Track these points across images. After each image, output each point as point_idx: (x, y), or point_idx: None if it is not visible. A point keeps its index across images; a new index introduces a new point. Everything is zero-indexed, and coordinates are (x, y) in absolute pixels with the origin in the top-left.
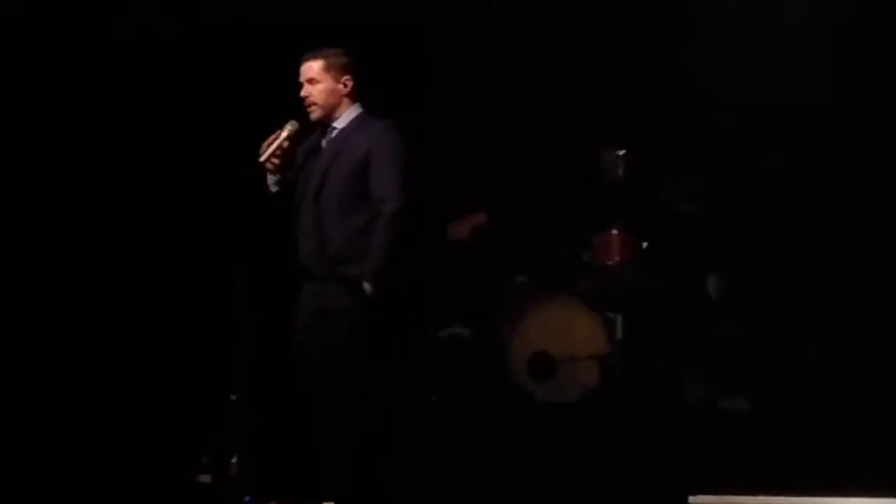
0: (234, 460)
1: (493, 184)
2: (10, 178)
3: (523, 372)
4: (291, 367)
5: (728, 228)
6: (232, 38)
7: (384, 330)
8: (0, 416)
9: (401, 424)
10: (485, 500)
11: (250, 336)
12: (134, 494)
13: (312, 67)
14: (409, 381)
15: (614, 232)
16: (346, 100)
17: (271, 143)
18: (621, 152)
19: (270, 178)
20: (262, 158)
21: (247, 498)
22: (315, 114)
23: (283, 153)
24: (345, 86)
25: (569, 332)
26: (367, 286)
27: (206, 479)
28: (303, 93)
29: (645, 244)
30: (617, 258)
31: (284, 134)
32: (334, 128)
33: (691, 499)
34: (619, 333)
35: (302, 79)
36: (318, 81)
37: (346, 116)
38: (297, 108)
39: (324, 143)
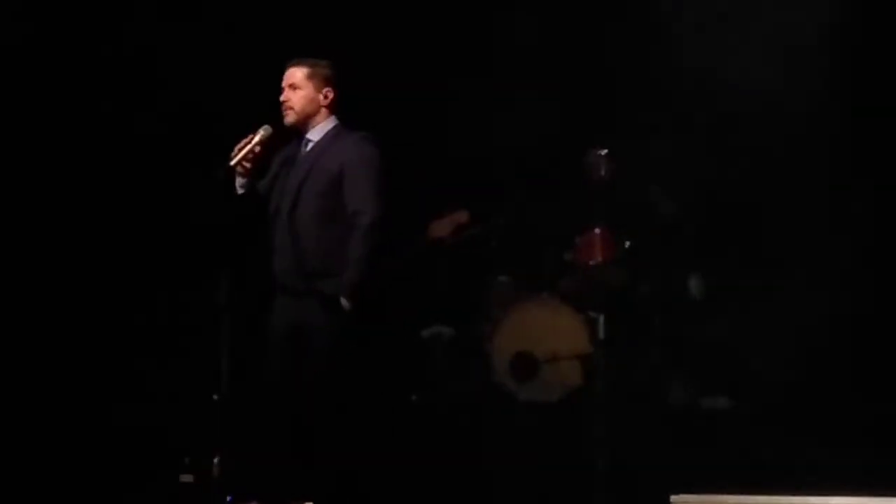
0: (215, 460)
1: (475, 183)
2: None
3: (506, 372)
4: (267, 375)
5: (710, 228)
6: (210, 43)
7: (362, 342)
8: None
9: (382, 426)
10: (467, 501)
11: (232, 336)
12: (116, 494)
13: (296, 73)
14: (388, 384)
15: (596, 232)
16: (323, 111)
17: (243, 147)
18: (603, 152)
19: (239, 181)
20: (234, 162)
21: (228, 498)
22: (289, 118)
23: (254, 157)
24: (325, 97)
25: (551, 331)
26: (344, 301)
27: (188, 479)
28: (282, 97)
29: (627, 244)
30: (599, 258)
31: (256, 138)
32: (309, 140)
33: (673, 498)
34: (601, 333)
35: (284, 83)
36: (298, 88)
37: (321, 128)
38: (276, 113)
39: (300, 156)
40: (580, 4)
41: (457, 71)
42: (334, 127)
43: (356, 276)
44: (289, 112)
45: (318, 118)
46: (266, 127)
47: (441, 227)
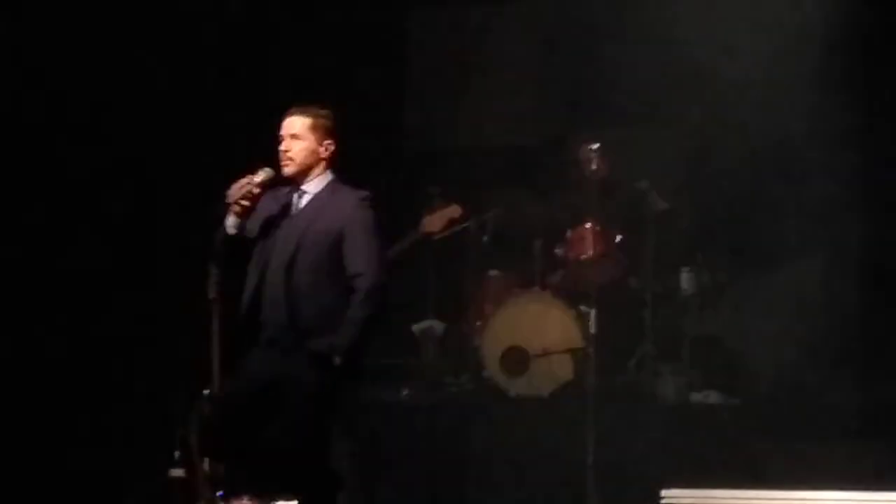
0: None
1: (466, 177)
2: None
3: (497, 366)
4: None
5: (701, 223)
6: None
7: (342, 397)
8: None
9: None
10: (458, 495)
11: (222, 330)
12: (107, 489)
13: (298, 123)
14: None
15: (588, 226)
16: (322, 163)
17: (243, 186)
18: (595, 147)
19: (231, 220)
20: (231, 200)
21: (219, 493)
22: (289, 169)
23: (252, 198)
24: (326, 149)
25: (542, 326)
26: (337, 360)
27: (178, 473)
28: (282, 146)
29: (618, 238)
30: (590, 252)
31: (258, 179)
32: (304, 191)
33: (664, 492)
34: (592, 327)
35: (284, 132)
36: (300, 138)
37: (318, 181)
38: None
39: (294, 207)
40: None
41: (449, 65)
42: (332, 181)
43: (352, 338)
44: (289, 163)
45: (316, 170)
46: (267, 169)
47: (434, 222)
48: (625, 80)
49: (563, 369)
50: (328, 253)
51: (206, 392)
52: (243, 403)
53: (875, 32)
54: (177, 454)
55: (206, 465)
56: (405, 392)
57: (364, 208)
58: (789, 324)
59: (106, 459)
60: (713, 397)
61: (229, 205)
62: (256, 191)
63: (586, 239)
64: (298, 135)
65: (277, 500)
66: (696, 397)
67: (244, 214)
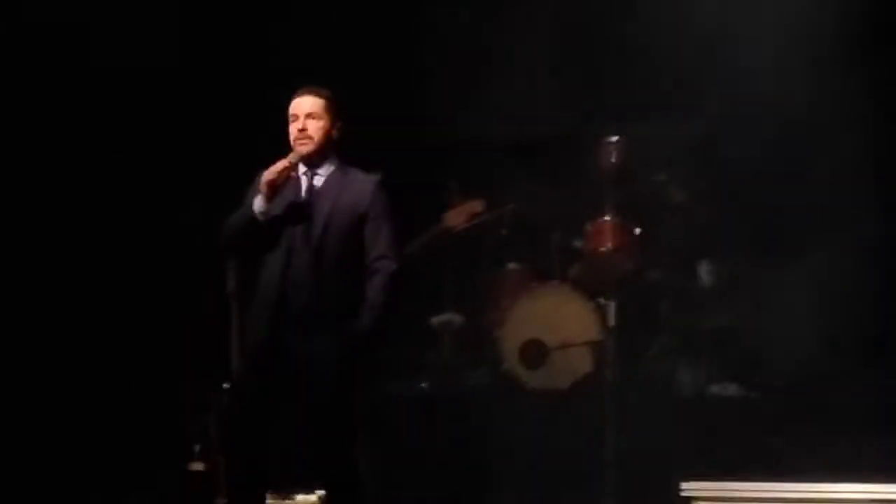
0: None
1: (485, 170)
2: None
3: (515, 359)
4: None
5: (720, 215)
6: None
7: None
8: None
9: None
10: (476, 488)
11: (242, 323)
12: (127, 483)
13: (313, 103)
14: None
15: (607, 219)
16: (333, 145)
17: (280, 169)
18: (614, 139)
19: (259, 204)
20: (266, 182)
21: None
22: (307, 148)
23: (281, 182)
24: (338, 131)
25: (561, 319)
26: (359, 341)
27: (198, 467)
28: (298, 125)
29: (637, 231)
30: (609, 245)
31: (292, 160)
32: (315, 173)
33: (683, 485)
34: (611, 320)
35: (299, 111)
36: (318, 118)
37: (328, 164)
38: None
39: (306, 190)
40: None
41: (469, 57)
42: (339, 164)
43: (377, 320)
44: (307, 142)
45: (328, 152)
46: (295, 153)
47: (456, 217)
48: (643, 73)
49: (582, 362)
50: (351, 235)
51: (225, 386)
52: (265, 392)
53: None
54: (196, 448)
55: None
56: (423, 385)
57: (382, 190)
58: (808, 316)
59: (126, 453)
60: (731, 390)
61: (260, 187)
62: (286, 174)
63: (604, 232)
64: (315, 114)
65: (297, 494)
66: (714, 390)
67: (272, 197)
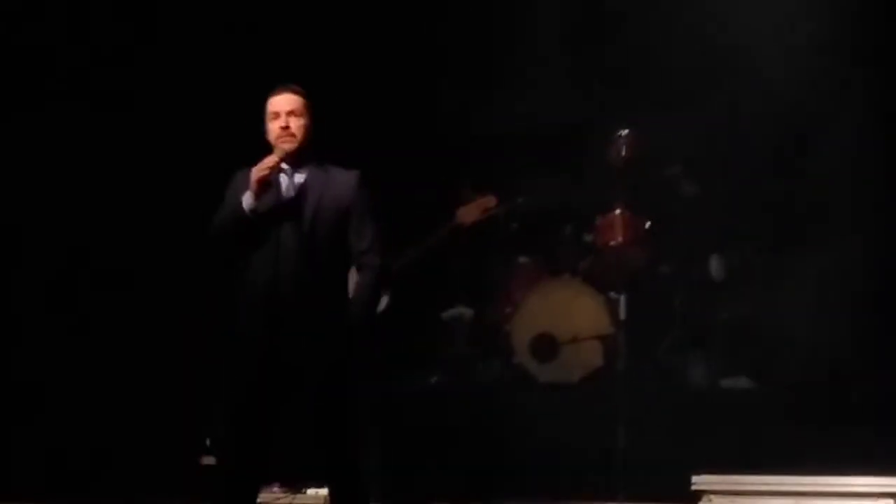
0: None
1: (495, 164)
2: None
3: (526, 352)
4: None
5: (730, 208)
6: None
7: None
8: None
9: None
10: (488, 481)
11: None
12: (139, 476)
13: (297, 100)
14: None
15: (617, 212)
16: (310, 142)
17: (268, 165)
18: (624, 133)
19: (248, 201)
20: (256, 179)
21: None
22: (290, 145)
23: (269, 177)
24: (312, 128)
25: (572, 312)
26: (349, 336)
27: (209, 461)
28: (281, 122)
29: (648, 225)
30: (620, 239)
31: (277, 158)
32: (296, 170)
33: (694, 478)
34: (621, 314)
35: (279, 109)
36: (299, 116)
37: (308, 161)
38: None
39: (288, 187)
40: None
41: (481, 52)
42: (317, 160)
43: (365, 315)
44: (290, 139)
45: (308, 149)
46: (281, 149)
47: (469, 213)
48: (655, 65)
49: (593, 355)
50: (337, 231)
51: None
52: (260, 389)
53: None
54: (208, 441)
55: None
56: (435, 379)
57: (365, 186)
58: (820, 308)
59: (138, 447)
60: (743, 383)
61: (252, 183)
62: (274, 170)
63: (616, 225)
64: (296, 111)
65: (307, 488)
66: (726, 383)
67: (261, 194)
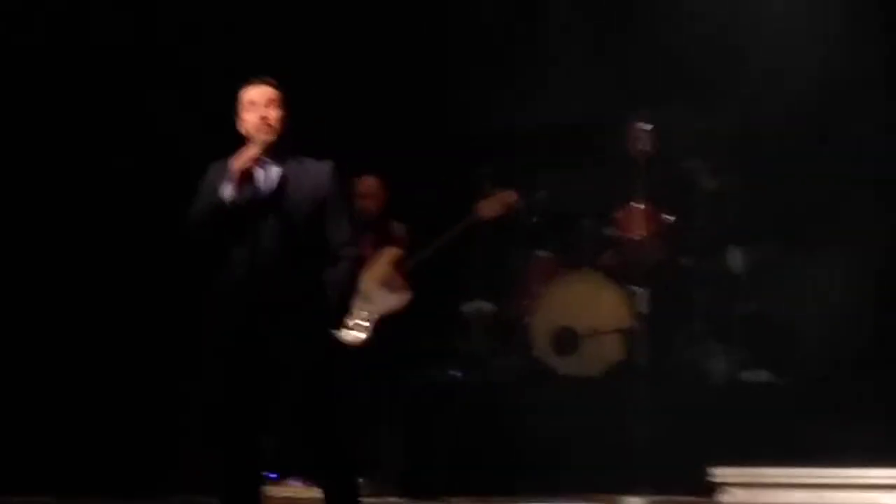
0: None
1: (515, 157)
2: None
3: (546, 346)
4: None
5: (751, 202)
6: None
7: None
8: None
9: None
10: (508, 475)
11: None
12: (161, 470)
13: (273, 92)
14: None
15: (638, 206)
16: (285, 134)
17: (250, 156)
18: (645, 126)
19: (229, 193)
20: (237, 170)
21: (272, 475)
22: (270, 136)
23: (251, 169)
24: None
25: (592, 306)
26: (328, 328)
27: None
28: (260, 113)
29: (668, 218)
30: (640, 232)
31: (258, 151)
32: (270, 161)
33: (714, 471)
34: (642, 307)
35: (258, 100)
36: (277, 107)
37: (283, 152)
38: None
39: (262, 179)
40: None
41: (500, 46)
42: (290, 150)
43: (343, 306)
44: (269, 130)
45: (283, 140)
46: (261, 140)
47: (489, 207)
48: (674, 60)
49: (613, 349)
50: (314, 222)
51: None
52: (241, 383)
53: None
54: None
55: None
56: (454, 372)
57: (338, 177)
58: (840, 301)
59: (157, 439)
60: (764, 376)
61: (234, 173)
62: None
63: (636, 218)
64: (274, 103)
65: None
66: (746, 376)
67: (242, 185)
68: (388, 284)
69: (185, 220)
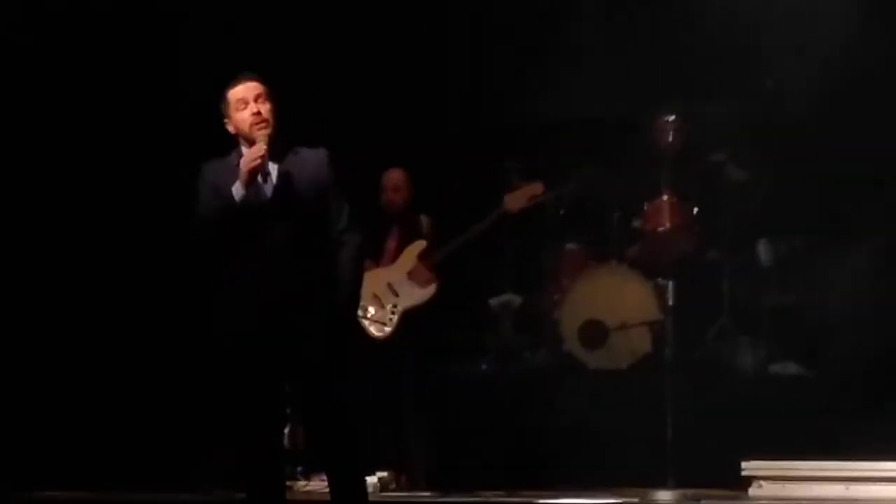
0: (286, 431)
1: (543, 150)
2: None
3: (575, 339)
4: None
5: (779, 194)
6: None
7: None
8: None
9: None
10: (536, 468)
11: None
12: (187, 465)
13: (261, 87)
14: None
15: (665, 198)
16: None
17: (260, 154)
18: (671, 118)
19: (238, 190)
20: (247, 168)
21: (299, 469)
22: (267, 132)
23: (260, 167)
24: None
25: (620, 299)
26: (339, 316)
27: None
28: (253, 109)
29: (696, 210)
30: (668, 225)
31: (264, 148)
32: (272, 158)
33: (744, 464)
34: (670, 300)
35: (248, 96)
36: (267, 101)
37: (278, 145)
38: None
39: (270, 177)
40: None
41: (528, 39)
42: (281, 143)
43: (353, 293)
44: (266, 125)
45: (277, 134)
46: (263, 136)
47: (516, 200)
48: (701, 52)
49: (642, 342)
50: (318, 211)
51: None
52: (262, 378)
53: None
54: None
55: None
56: (483, 366)
57: (332, 165)
58: (869, 293)
59: (183, 433)
60: (792, 369)
61: (244, 171)
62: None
63: (663, 211)
64: (263, 97)
65: None
66: (774, 369)
67: (251, 183)
68: (414, 278)
69: (194, 221)
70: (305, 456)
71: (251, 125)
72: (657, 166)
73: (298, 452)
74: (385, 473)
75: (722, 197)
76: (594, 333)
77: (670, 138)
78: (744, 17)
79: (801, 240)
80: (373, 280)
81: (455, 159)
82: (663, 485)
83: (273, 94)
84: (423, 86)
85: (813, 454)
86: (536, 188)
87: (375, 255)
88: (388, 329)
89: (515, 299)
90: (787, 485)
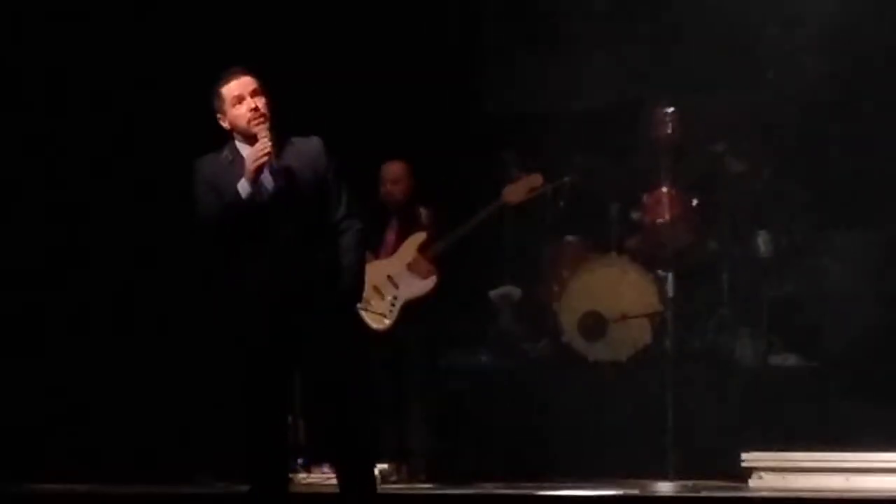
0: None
1: (541, 142)
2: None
3: (574, 331)
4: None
5: (778, 185)
6: None
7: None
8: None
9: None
10: (536, 460)
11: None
12: (187, 459)
13: (253, 81)
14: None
15: (664, 190)
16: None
17: (265, 149)
18: (670, 110)
19: (244, 186)
20: (254, 163)
21: (300, 460)
22: (265, 125)
23: (267, 163)
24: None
25: (619, 290)
26: (344, 304)
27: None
28: (252, 104)
29: (695, 202)
30: (667, 216)
31: (269, 143)
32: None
33: (744, 455)
34: (669, 291)
35: (242, 91)
36: (261, 94)
37: (275, 138)
38: None
39: (270, 171)
40: None
41: (526, 29)
42: (275, 134)
43: (357, 280)
44: (262, 119)
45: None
46: (263, 130)
47: (515, 192)
48: (700, 42)
49: (641, 334)
50: (319, 199)
51: None
52: (276, 370)
53: None
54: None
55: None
56: (483, 357)
57: (329, 152)
58: (868, 285)
59: (188, 425)
60: (792, 360)
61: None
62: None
63: (662, 202)
64: (257, 91)
65: None
66: (774, 360)
67: (257, 180)
68: (414, 270)
69: (197, 222)
70: (306, 448)
71: (249, 121)
72: (656, 158)
73: (299, 444)
74: (386, 465)
75: (721, 188)
76: (594, 325)
77: (670, 130)
78: (744, 7)
79: (801, 231)
80: (373, 272)
81: (455, 151)
82: (663, 476)
83: (265, 87)
84: (422, 77)
85: (813, 445)
86: (536, 180)
87: (375, 247)
88: (388, 321)
89: (515, 291)
90: (787, 476)
